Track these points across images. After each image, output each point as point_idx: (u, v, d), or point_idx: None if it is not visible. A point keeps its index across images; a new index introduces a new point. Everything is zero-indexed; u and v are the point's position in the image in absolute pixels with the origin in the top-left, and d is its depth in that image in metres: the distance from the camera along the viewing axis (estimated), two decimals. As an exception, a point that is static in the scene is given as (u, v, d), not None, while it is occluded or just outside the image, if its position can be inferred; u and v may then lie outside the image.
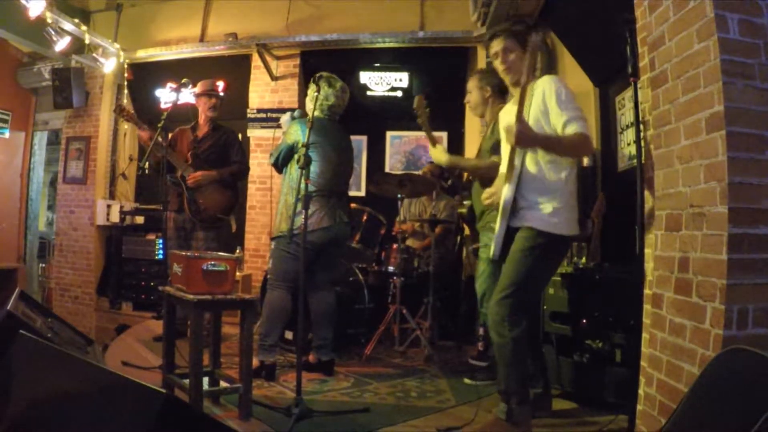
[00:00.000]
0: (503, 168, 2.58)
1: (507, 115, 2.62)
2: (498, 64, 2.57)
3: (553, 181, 2.36)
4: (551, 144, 2.33)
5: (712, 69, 1.79)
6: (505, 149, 2.54)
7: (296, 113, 3.51)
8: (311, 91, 3.26)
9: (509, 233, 2.40)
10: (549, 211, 2.33)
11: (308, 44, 5.60)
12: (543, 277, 2.49)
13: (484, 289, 3.15)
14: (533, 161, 2.38)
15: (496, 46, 2.55)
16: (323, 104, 3.36)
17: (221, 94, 4.19)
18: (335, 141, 3.38)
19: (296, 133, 3.24)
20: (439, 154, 3.25)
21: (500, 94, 3.28)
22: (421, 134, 5.83)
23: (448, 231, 4.68)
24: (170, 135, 4.31)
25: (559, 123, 2.32)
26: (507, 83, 2.61)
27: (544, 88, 2.37)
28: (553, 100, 2.33)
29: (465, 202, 3.54)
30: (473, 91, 3.37)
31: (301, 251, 2.67)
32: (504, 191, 2.38)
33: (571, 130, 2.29)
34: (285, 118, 3.60)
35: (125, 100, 6.28)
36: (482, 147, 3.36)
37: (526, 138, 2.27)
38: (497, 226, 2.42)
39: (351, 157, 3.57)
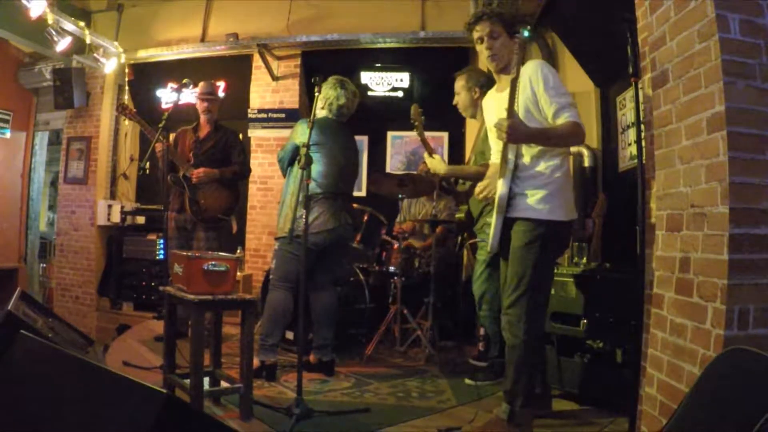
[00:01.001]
0: (494, 158, 2.57)
1: (492, 102, 2.57)
2: (483, 50, 2.47)
3: (544, 169, 2.34)
4: (543, 137, 2.31)
5: (713, 69, 1.79)
6: (495, 142, 2.52)
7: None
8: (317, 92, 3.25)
9: (506, 225, 2.39)
10: (539, 198, 2.31)
11: (309, 44, 5.60)
12: (548, 268, 2.46)
13: (483, 290, 3.14)
14: (527, 152, 2.37)
15: (481, 30, 2.44)
16: (333, 104, 3.37)
17: (213, 96, 4.17)
18: (341, 142, 3.38)
19: (302, 133, 3.23)
20: (437, 164, 3.19)
21: None
22: (423, 134, 5.85)
23: (448, 231, 4.67)
24: (171, 136, 4.31)
25: (549, 111, 2.29)
26: (492, 70, 2.54)
27: (529, 74, 2.31)
28: (540, 87, 2.29)
29: (461, 207, 3.52)
30: (461, 93, 3.32)
31: (302, 252, 2.67)
32: (498, 186, 2.36)
33: (562, 119, 2.26)
34: None
35: (126, 99, 6.28)
36: (476, 149, 3.34)
37: (518, 134, 2.24)
38: (493, 221, 2.39)
39: (356, 159, 3.56)
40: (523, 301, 2.29)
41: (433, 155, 3.25)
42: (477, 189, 2.54)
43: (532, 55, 4.93)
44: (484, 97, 3.20)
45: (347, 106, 3.41)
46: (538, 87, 2.30)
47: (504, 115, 2.26)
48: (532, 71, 2.31)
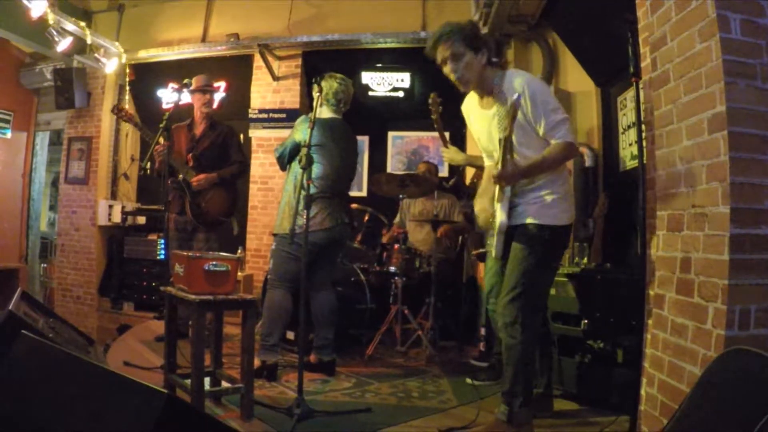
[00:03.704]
0: (487, 162, 2.60)
1: (477, 116, 2.51)
2: (449, 73, 2.35)
3: (544, 182, 2.34)
4: (537, 169, 2.31)
5: (714, 69, 1.79)
6: (488, 143, 2.49)
7: None
8: (315, 93, 3.26)
9: (509, 231, 2.39)
10: (548, 202, 2.32)
11: (310, 44, 5.60)
12: (549, 270, 2.46)
13: (492, 284, 3.13)
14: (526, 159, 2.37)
15: (442, 53, 2.33)
16: (329, 93, 3.38)
17: (211, 87, 4.17)
18: (342, 144, 3.38)
19: (304, 132, 3.22)
20: (453, 154, 3.16)
21: None
22: (422, 134, 5.85)
23: (453, 231, 4.65)
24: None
25: (540, 131, 2.27)
26: (463, 90, 2.45)
27: (518, 92, 2.18)
28: (529, 108, 2.23)
29: (470, 202, 3.54)
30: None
31: (303, 252, 2.67)
32: (498, 214, 2.36)
33: (553, 141, 2.26)
34: None
35: (126, 99, 6.29)
36: None
37: (512, 179, 2.28)
38: (494, 240, 2.41)
39: (355, 160, 3.57)
40: (519, 302, 2.29)
41: (449, 146, 3.25)
42: (477, 207, 2.55)
43: (532, 57, 4.93)
44: None
45: (341, 91, 3.41)
46: (526, 107, 2.24)
47: (493, 133, 2.29)
48: (519, 89, 2.22)
